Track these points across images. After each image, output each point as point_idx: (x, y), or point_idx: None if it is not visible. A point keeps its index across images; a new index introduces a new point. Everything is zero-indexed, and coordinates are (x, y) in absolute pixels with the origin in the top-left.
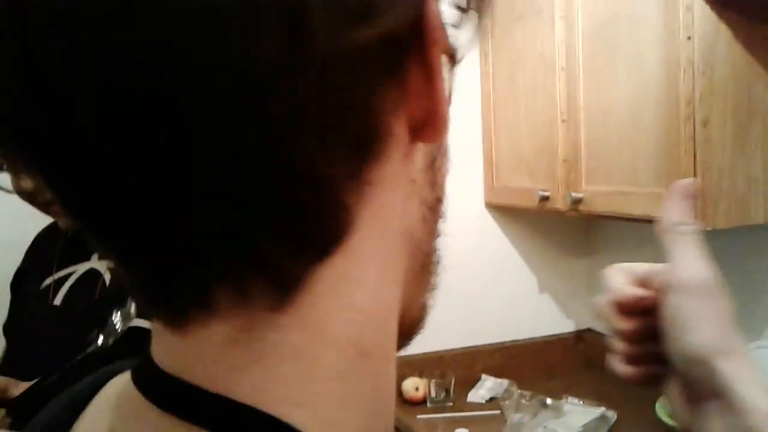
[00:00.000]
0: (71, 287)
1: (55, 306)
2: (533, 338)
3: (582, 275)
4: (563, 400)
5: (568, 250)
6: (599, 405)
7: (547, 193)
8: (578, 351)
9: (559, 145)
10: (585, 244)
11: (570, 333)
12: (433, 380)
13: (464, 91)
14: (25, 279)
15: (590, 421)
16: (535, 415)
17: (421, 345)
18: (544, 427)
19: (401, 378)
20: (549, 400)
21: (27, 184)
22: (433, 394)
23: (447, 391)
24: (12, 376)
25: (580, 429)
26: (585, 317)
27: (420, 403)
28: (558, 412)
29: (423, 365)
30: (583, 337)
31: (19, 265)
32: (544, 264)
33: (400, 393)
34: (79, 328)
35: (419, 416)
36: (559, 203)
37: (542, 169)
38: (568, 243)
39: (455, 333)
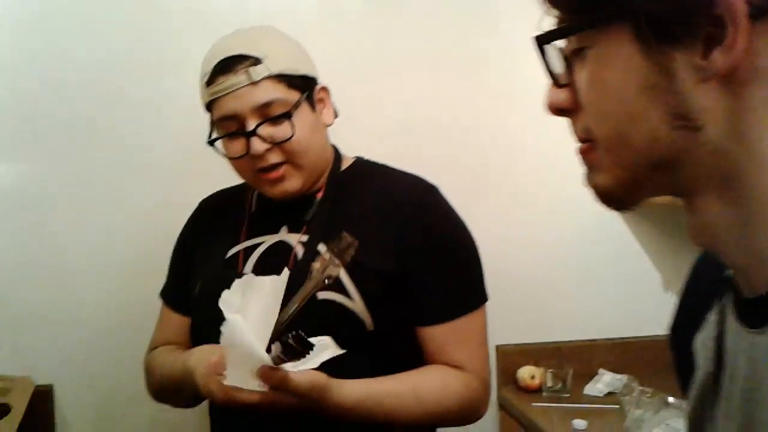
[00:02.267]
0: (260, 257)
1: (245, 274)
2: (656, 336)
3: None
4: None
5: (694, 246)
6: None
7: None
8: None
9: None
10: None
11: None
12: (550, 370)
13: None
14: (199, 245)
15: None
16: (656, 412)
17: (538, 334)
18: (667, 424)
19: (516, 365)
20: (671, 399)
21: (259, 146)
22: (549, 384)
23: (564, 381)
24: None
25: None
26: None
27: (535, 392)
28: (681, 411)
29: (539, 355)
30: None
31: (187, 230)
32: (670, 260)
33: (515, 380)
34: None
35: (534, 404)
36: None
37: None
38: None
39: (574, 325)
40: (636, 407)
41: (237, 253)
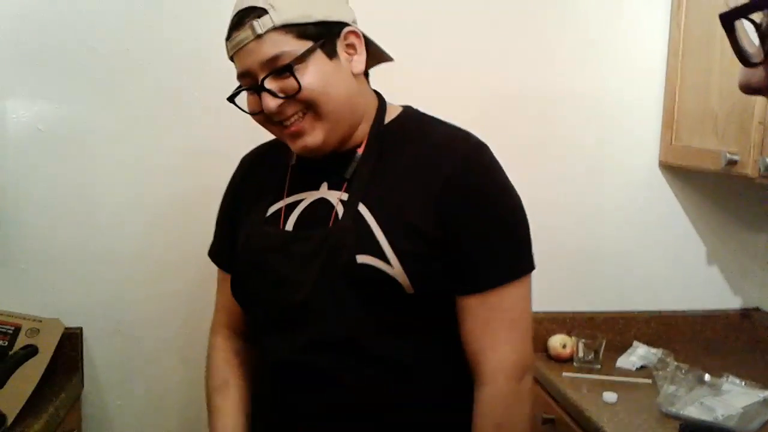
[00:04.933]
0: (301, 214)
1: (288, 231)
2: (694, 311)
3: (758, 250)
4: (723, 379)
5: (746, 221)
6: (763, 389)
7: (735, 157)
8: (743, 330)
9: (757, 105)
10: (766, 217)
11: (735, 310)
12: (582, 340)
13: (648, 40)
14: (242, 202)
15: (752, 404)
16: (690, 389)
17: (571, 303)
18: (701, 403)
19: (548, 333)
20: (707, 377)
21: (270, 102)
22: (580, 354)
23: (596, 353)
24: (249, 299)
25: (740, 410)
26: (755, 295)
27: (566, 361)
28: (716, 390)
29: (572, 324)
30: (750, 316)
31: (230, 189)
32: (717, 233)
33: (545, 349)
34: (313, 253)
35: (565, 374)
36: (749, 169)
37: (732, 131)
38: (747, 213)
39: (609, 295)
40: (670, 383)
41: (279, 210)
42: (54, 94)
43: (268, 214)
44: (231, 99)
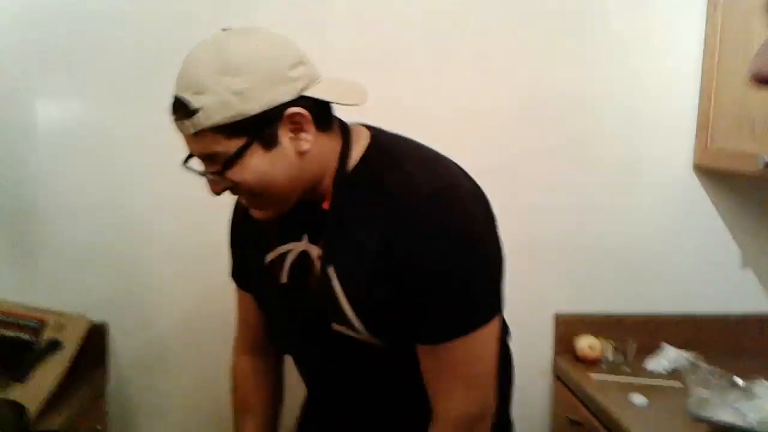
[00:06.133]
0: (291, 264)
1: (283, 284)
2: (727, 314)
3: None
4: (756, 383)
5: None
6: None
7: None
8: None
9: None
10: None
11: None
12: (612, 342)
13: (684, 41)
14: (247, 245)
15: None
16: (722, 393)
17: (600, 305)
18: (734, 408)
19: (574, 334)
20: (740, 380)
21: (214, 188)
22: (609, 357)
23: (624, 355)
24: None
25: None
26: None
27: (592, 363)
28: (749, 394)
29: (600, 326)
30: None
31: (233, 227)
32: (752, 236)
33: (572, 350)
34: (299, 311)
35: (593, 375)
36: None
37: None
38: None
39: (639, 297)
40: (701, 387)
41: (274, 259)
42: (82, 94)
43: (266, 261)
44: (185, 163)
